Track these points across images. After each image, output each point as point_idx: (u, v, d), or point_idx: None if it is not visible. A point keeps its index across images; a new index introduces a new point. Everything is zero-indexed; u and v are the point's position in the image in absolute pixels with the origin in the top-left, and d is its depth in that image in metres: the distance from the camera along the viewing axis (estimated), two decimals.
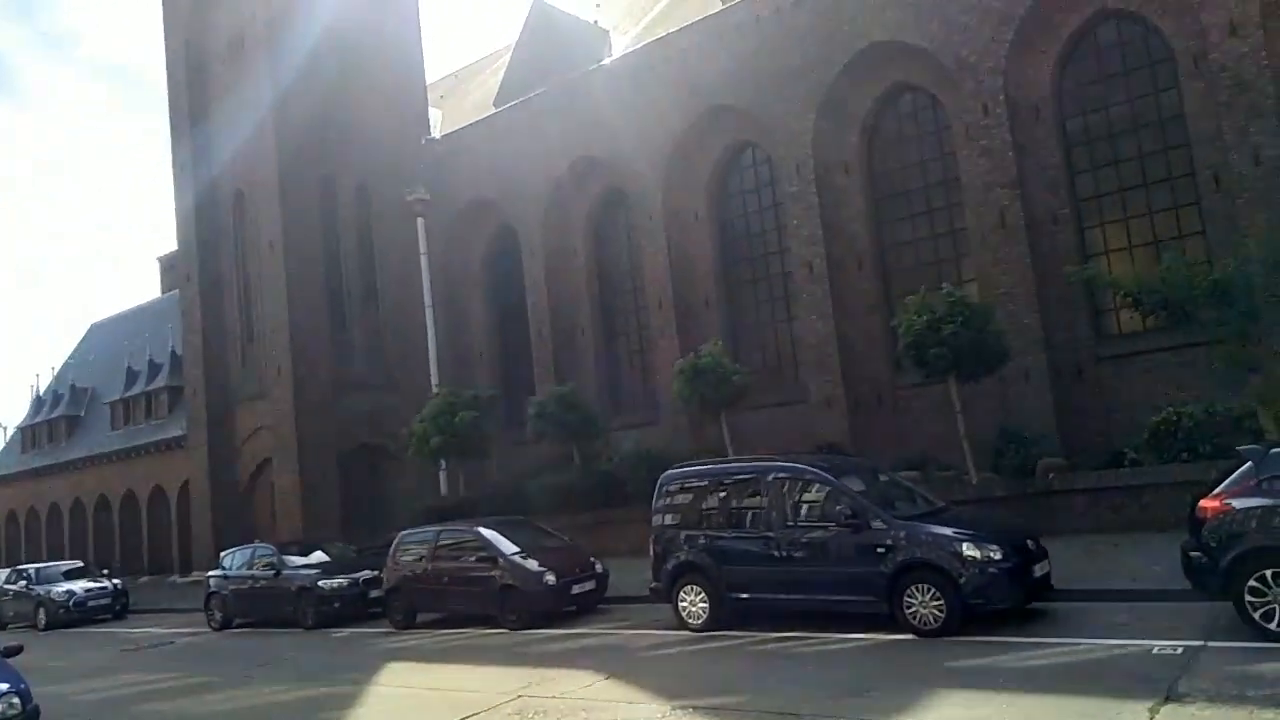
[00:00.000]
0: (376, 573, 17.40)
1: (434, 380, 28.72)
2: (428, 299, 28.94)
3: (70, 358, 44.88)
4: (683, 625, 11.83)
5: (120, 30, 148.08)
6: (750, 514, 11.59)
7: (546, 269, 28.71)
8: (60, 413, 40.60)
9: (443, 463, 27.26)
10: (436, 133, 33.21)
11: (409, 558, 15.71)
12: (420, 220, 29.04)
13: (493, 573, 14.22)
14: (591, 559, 14.85)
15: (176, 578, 31.24)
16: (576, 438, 22.17)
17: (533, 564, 14.08)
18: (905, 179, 22.94)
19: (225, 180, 31.75)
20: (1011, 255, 20.01)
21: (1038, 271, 19.74)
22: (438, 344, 28.69)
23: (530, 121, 29.00)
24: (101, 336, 44.15)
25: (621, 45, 29.33)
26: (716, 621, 11.54)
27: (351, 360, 30.08)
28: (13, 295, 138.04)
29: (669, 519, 12.40)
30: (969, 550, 9.75)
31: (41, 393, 43.43)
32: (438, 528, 15.84)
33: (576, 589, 14.10)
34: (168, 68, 33.38)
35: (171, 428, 33.89)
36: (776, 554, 11.00)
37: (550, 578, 13.81)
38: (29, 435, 42.38)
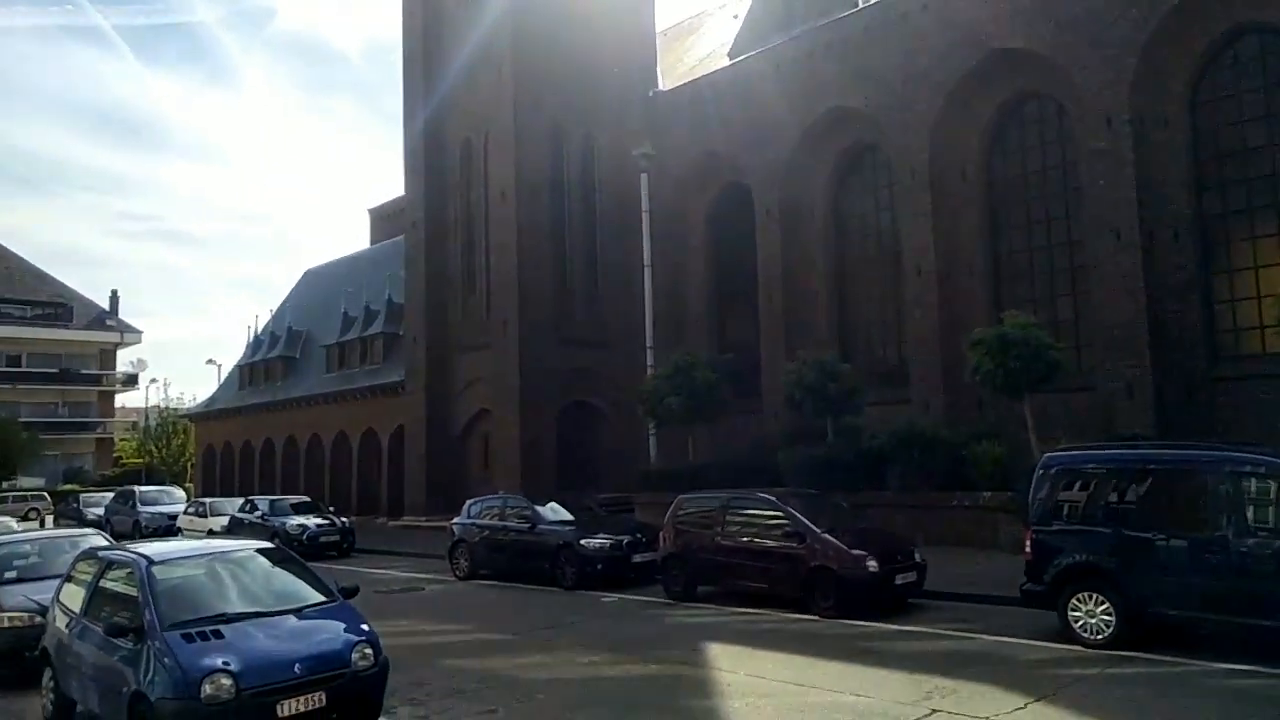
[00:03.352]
0: (639, 536, 16.21)
1: (649, 341, 27.61)
2: (647, 257, 27.78)
3: (286, 301, 46.46)
4: (1072, 639, 9.81)
5: (313, 4, 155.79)
6: (1184, 513, 9.41)
7: (783, 229, 26.82)
8: (277, 353, 41.98)
9: (650, 426, 26.29)
10: (663, 85, 31.74)
11: (691, 524, 14.29)
12: (644, 175, 27.84)
13: (800, 551, 12.57)
14: (911, 546, 12.97)
15: (386, 520, 31.39)
16: (835, 410, 20.26)
17: (850, 546, 12.32)
18: None
19: (454, 128, 31.40)
20: (1125, 269, 19.61)
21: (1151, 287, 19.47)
22: (654, 304, 27.53)
23: (775, 71, 27.06)
24: (316, 283, 45.42)
25: None
26: (1120, 639, 9.46)
27: (572, 316, 29.21)
28: (228, 243, 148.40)
29: (1055, 511, 10.34)
30: None
31: (259, 333, 45.15)
32: (725, 494, 14.32)
33: (900, 579, 12.28)
34: (403, 15, 33.26)
35: (386, 373, 34.16)
36: (1223, 565, 8.80)
37: (872, 563, 12.04)
38: (246, 373, 44.14)
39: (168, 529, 28.79)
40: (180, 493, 35.33)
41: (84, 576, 9.20)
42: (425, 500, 29.84)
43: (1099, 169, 20.47)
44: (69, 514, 35.01)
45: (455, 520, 18.84)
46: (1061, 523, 10.21)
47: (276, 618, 7.85)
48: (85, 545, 12.57)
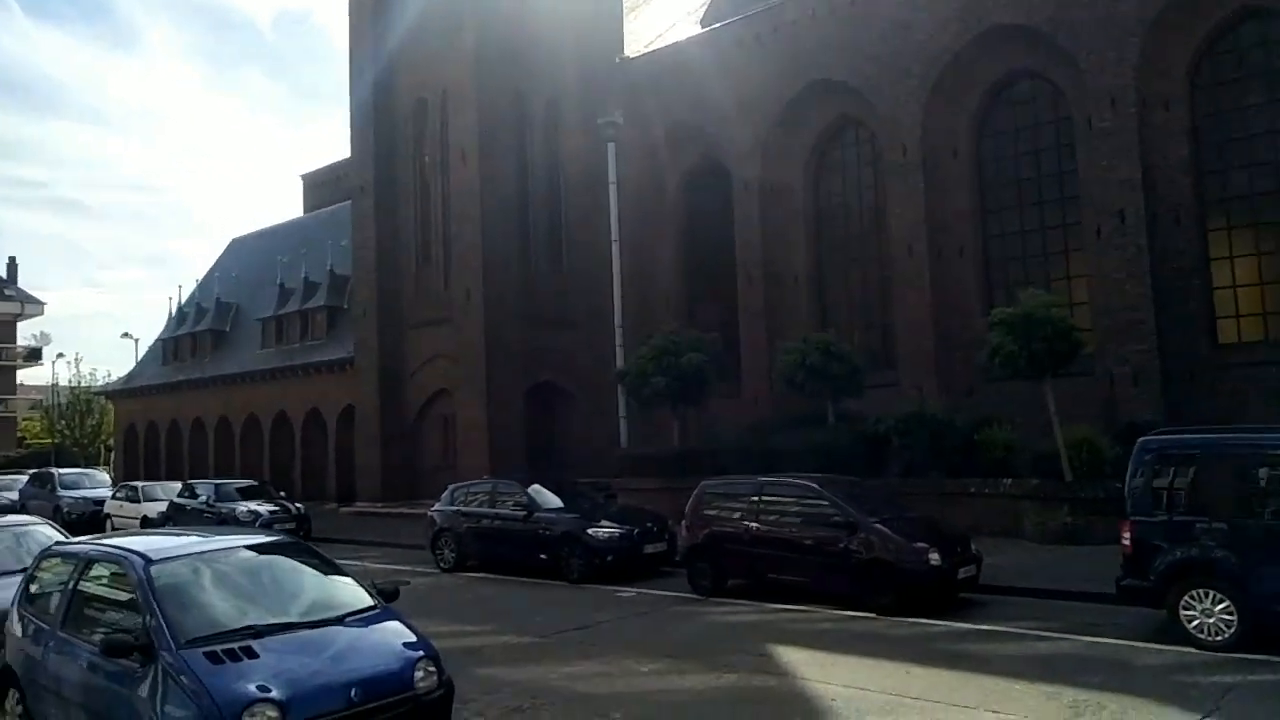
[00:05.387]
0: (650, 525, 14.95)
1: (618, 320, 26.31)
2: (614, 233, 26.38)
3: (213, 270, 43.54)
4: (1187, 639, 8.90)
5: None
6: None
7: (761, 206, 25.74)
8: (206, 326, 39.22)
9: (621, 409, 25.13)
10: (630, 51, 30.24)
11: (718, 513, 13.08)
12: (611, 145, 26.40)
13: (850, 543, 11.47)
14: (967, 536, 12.01)
15: (336, 506, 29.39)
16: (836, 393, 19.29)
17: (908, 538, 11.28)
18: None
19: (405, 87, 29.39)
20: (1129, 253, 19.20)
21: (1155, 271, 19.11)
22: (622, 282, 26.23)
23: (755, 40, 25.93)
24: (245, 253, 42.66)
25: None
26: (1243, 641, 8.61)
27: (535, 293, 27.63)
28: (125, 215, 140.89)
29: (1156, 500, 9.43)
30: None
31: (184, 305, 42.24)
32: (758, 480, 13.11)
33: (962, 572, 11.29)
34: None
35: (331, 349, 32.05)
36: None
37: (935, 556, 11.02)
38: (170, 347, 41.22)
39: (93, 515, 26.40)
40: (104, 475, 32.72)
41: (53, 578, 7.55)
42: (380, 485, 28.02)
43: (1102, 150, 19.91)
44: None
45: (436, 507, 17.28)
46: (1164, 513, 9.32)
47: (315, 630, 6.37)
48: (33, 537, 10.88)
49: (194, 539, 7.51)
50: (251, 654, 5.89)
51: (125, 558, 6.71)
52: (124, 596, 6.58)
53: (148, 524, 23.57)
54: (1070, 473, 15.79)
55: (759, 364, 25.11)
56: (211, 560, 6.89)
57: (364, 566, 16.93)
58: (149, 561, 6.54)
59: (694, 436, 23.08)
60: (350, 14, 30.94)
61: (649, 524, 14.99)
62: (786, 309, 25.35)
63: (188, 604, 6.31)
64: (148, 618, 6.09)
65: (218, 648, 5.89)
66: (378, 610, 6.84)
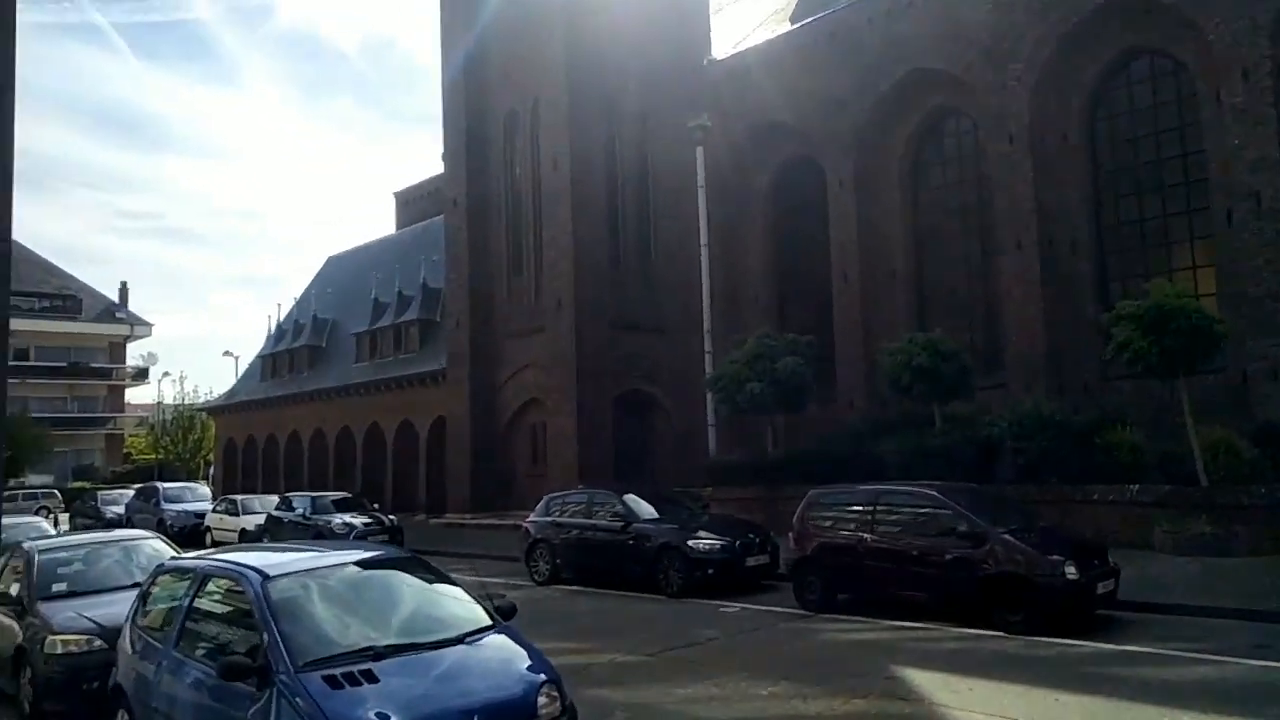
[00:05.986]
0: (753, 536, 14.42)
1: (707, 325, 25.82)
2: (704, 236, 25.89)
3: (310, 288, 44.58)
4: None
5: (311, 2, 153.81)
6: None
7: (857, 202, 24.94)
8: (303, 342, 40.11)
9: (710, 416, 24.63)
10: (718, 53, 29.78)
11: (829, 524, 12.46)
12: (699, 148, 25.95)
13: (977, 555, 10.74)
14: (1105, 547, 11.16)
15: (426, 517, 29.55)
16: (944, 395, 18.44)
17: (1040, 549, 10.51)
18: None
19: (497, 100, 29.52)
20: (1267, 237, 17.66)
21: None
22: (712, 286, 25.74)
23: (845, 34, 25.16)
24: (340, 270, 43.53)
25: None
26: None
27: (625, 299, 27.35)
28: (227, 240, 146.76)
29: None
30: None
31: (282, 322, 43.31)
32: (872, 489, 12.44)
33: (1100, 588, 10.46)
34: None
35: (423, 361, 32.34)
36: None
37: (1072, 569, 10.21)
38: (269, 364, 42.28)
39: (194, 528, 27.06)
40: (205, 489, 33.60)
41: (167, 595, 7.41)
42: (470, 496, 28.06)
43: (1235, 128, 18.46)
44: (86, 513, 33.18)
45: (531, 518, 17.02)
46: None
47: (435, 651, 6.02)
48: (143, 551, 10.91)
49: (308, 554, 7.27)
50: (371, 678, 5.57)
51: (242, 573, 6.50)
52: (239, 615, 6.36)
53: (246, 536, 24.05)
54: (1206, 478, 14.69)
55: (854, 367, 24.33)
56: (327, 576, 6.62)
57: (479, 580, 16.79)
58: (266, 578, 6.31)
59: (784, 444, 22.41)
60: (442, 28, 31.26)
61: (750, 535, 14.43)
62: (884, 309, 24.49)
63: (305, 623, 6.04)
64: (264, 637, 5.84)
65: (336, 671, 5.59)
66: (496, 628, 6.49)
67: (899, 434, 18.82)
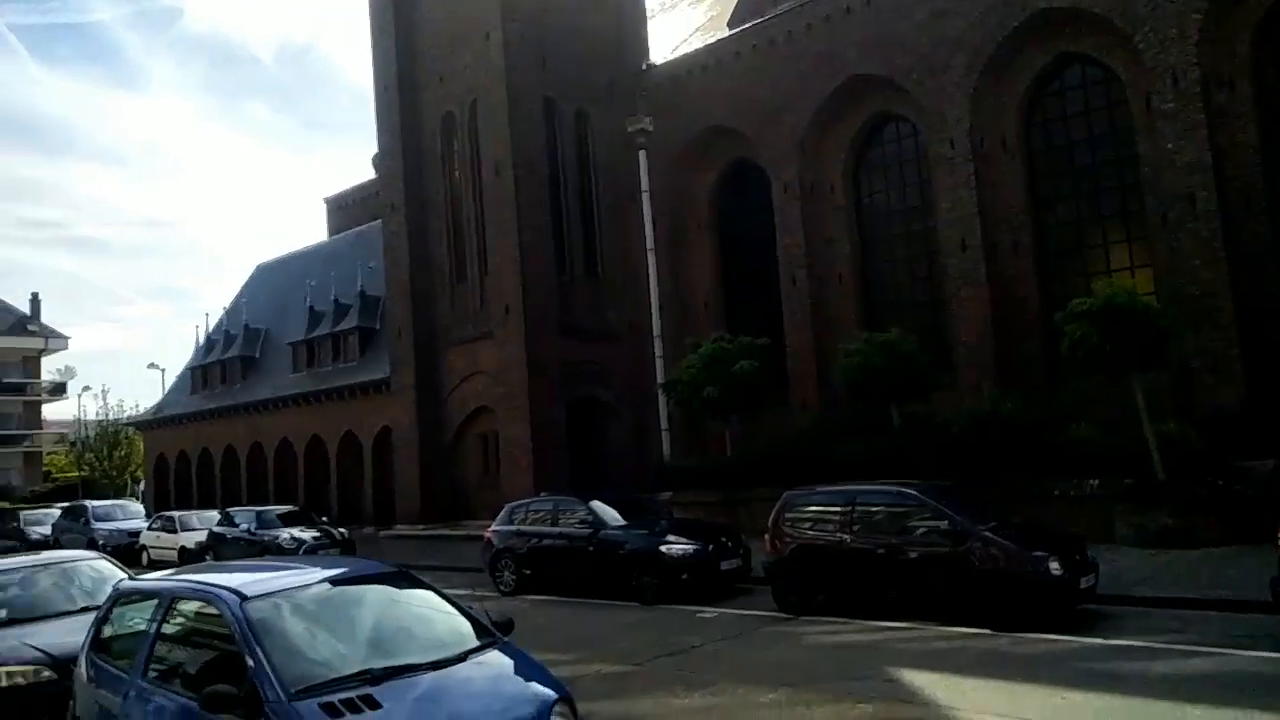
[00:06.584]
0: (725, 540, 14.19)
1: (656, 330, 25.72)
2: (649, 240, 25.82)
3: (240, 296, 43.10)
4: None
5: (223, 5, 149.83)
6: None
7: (802, 207, 25.03)
8: (234, 353, 38.69)
9: (663, 421, 24.60)
10: (656, 58, 29.62)
11: (807, 525, 12.31)
12: (642, 153, 25.84)
13: (959, 553, 10.68)
14: (1083, 541, 11.19)
15: (375, 530, 28.68)
16: (900, 396, 18.51)
17: (1024, 545, 10.49)
18: None
19: (432, 102, 28.84)
20: (1202, 237, 18.31)
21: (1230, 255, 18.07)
22: (659, 291, 25.62)
23: (786, 39, 25.28)
24: (271, 278, 42.12)
25: None
26: None
27: (572, 305, 26.98)
28: (137, 250, 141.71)
29: None
30: None
31: (211, 333, 41.78)
32: (850, 488, 12.31)
33: (1084, 582, 10.47)
34: None
35: (364, 370, 31.44)
36: None
37: (1055, 565, 10.20)
38: (199, 376, 40.71)
39: (128, 548, 25.82)
40: (138, 506, 32.18)
41: (129, 620, 6.86)
42: (420, 508, 27.31)
43: (1167, 132, 19.08)
44: (8, 534, 31.53)
45: (494, 528, 16.53)
46: None
47: (437, 671, 5.62)
48: (82, 572, 10.23)
49: (282, 571, 6.77)
50: (373, 704, 5.16)
51: (216, 595, 6.00)
52: (216, 640, 5.87)
53: (186, 555, 23.04)
54: (1162, 471, 14.96)
55: (806, 369, 24.44)
56: (309, 595, 6.15)
57: (472, 593, 16.24)
58: (244, 599, 5.83)
59: (740, 447, 22.30)
60: (371, 30, 30.41)
61: (723, 538, 14.22)
62: (834, 311, 24.64)
63: (292, 647, 5.59)
64: (249, 664, 5.37)
65: (334, 698, 5.16)
66: (496, 644, 6.12)
67: (860, 435, 18.85)
